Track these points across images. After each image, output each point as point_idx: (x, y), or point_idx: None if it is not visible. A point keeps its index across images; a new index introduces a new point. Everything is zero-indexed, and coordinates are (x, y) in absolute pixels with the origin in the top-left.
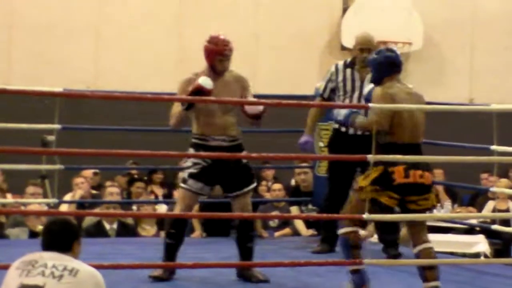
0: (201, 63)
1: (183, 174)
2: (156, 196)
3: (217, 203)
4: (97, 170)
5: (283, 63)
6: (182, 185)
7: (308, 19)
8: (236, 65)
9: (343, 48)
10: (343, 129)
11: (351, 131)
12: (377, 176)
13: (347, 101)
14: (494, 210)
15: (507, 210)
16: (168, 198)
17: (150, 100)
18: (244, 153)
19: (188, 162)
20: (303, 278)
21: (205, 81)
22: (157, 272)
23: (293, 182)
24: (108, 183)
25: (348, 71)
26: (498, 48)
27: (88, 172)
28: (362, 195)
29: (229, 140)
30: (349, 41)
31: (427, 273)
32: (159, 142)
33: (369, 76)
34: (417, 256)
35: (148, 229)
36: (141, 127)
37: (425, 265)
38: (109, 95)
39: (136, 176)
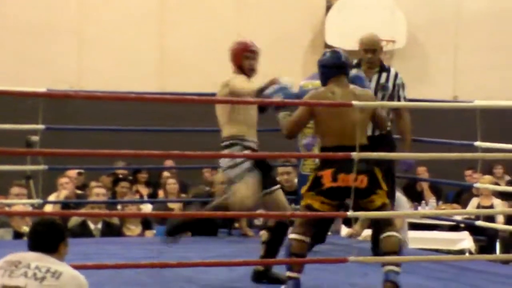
0: (183, 64)
1: (233, 172)
2: (141, 196)
3: (202, 203)
4: (81, 170)
5: (267, 63)
6: (237, 181)
7: (292, 18)
8: (219, 66)
9: (327, 46)
10: None
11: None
12: (311, 182)
13: None
14: (478, 207)
15: (491, 207)
16: (153, 197)
17: (133, 99)
18: (227, 152)
19: (233, 161)
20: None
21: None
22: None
23: None
24: (93, 184)
25: (354, 71)
26: (482, 47)
27: (73, 172)
28: (302, 202)
29: (256, 143)
30: (332, 40)
31: (386, 258)
32: (143, 142)
33: (375, 77)
34: (380, 242)
35: (133, 229)
36: (125, 127)
37: (387, 250)
38: (92, 95)
39: (121, 176)
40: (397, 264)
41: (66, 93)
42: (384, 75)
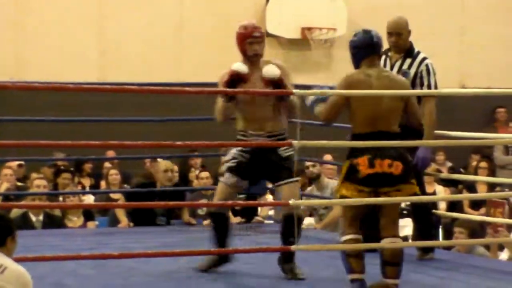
0: (122, 54)
1: (223, 167)
2: (84, 187)
3: (143, 193)
4: (22, 162)
5: (207, 52)
6: (220, 178)
7: (232, 7)
8: (161, 55)
9: (268, 34)
10: None
11: None
12: (346, 171)
13: None
14: None
15: (433, 194)
16: (95, 188)
17: (71, 90)
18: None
19: (229, 156)
20: (231, 266)
21: (239, 66)
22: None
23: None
24: (34, 175)
25: (383, 58)
26: (423, 34)
27: (13, 164)
28: (336, 193)
29: (267, 136)
30: (273, 28)
31: (387, 269)
32: (83, 132)
33: (398, 63)
34: (382, 249)
35: (75, 220)
36: (66, 118)
37: (388, 260)
38: (30, 86)
39: (62, 167)
40: (397, 277)
41: (3, 84)
42: (408, 61)
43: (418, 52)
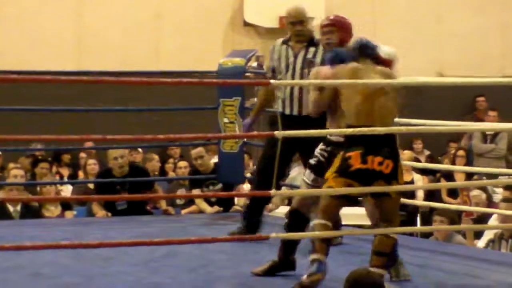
0: (100, 43)
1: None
2: (62, 177)
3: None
4: None
5: (186, 41)
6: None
7: None
8: (139, 44)
9: (246, 24)
10: (287, 111)
11: (294, 112)
12: (339, 163)
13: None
14: None
15: (411, 182)
16: (73, 178)
17: (49, 81)
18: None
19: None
20: (209, 256)
21: None
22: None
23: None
24: (12, 165)
25: (283, 48)
26: (401, 23)
27: None
28: (324, 185)
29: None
30: (251, 17)
31: (372, 257)
32: (63, 123)
33: (302, 52)
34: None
35: (53, 210)
36: (45, 107)
37: (373, 249)
38: (6, 78)
39: (40, 157)
40: (384, 267)
41: None
42: (311, 49)
43: (319, 40)
